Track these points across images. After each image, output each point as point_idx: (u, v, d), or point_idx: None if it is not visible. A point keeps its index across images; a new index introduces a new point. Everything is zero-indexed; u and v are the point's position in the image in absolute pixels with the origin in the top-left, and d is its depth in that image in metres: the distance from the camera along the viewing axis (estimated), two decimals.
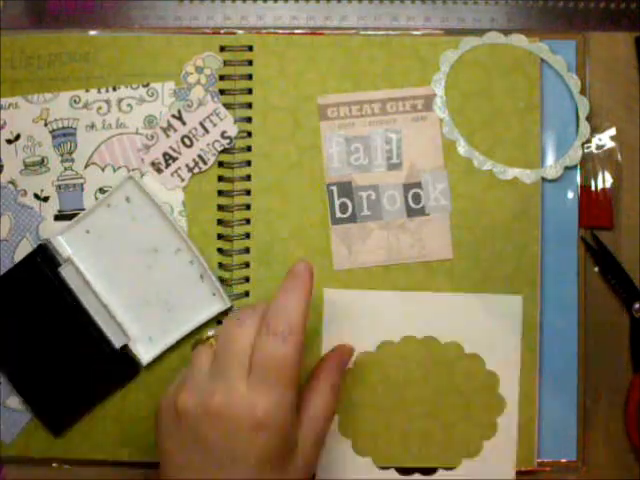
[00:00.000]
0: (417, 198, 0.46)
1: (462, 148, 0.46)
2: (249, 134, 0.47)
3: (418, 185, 0.46)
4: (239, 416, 0.35)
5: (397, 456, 0.46)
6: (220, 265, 0.46)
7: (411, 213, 0.46)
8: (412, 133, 0.47)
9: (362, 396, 0.46)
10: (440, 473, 0.45)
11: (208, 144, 0.47)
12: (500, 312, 0.44)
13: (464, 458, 0.45)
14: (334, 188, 0.47)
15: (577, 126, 0.47)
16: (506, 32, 0.47)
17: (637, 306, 0.46)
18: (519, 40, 0.47)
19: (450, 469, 0.45)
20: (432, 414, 0.46)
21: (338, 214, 0.46)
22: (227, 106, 0.47)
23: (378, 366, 0.46)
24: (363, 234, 0.46)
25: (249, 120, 0.47)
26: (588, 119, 0.47)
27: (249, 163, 0.47)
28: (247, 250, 0.46)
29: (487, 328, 0.44)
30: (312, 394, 0.40)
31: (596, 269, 0.47)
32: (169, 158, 0.47)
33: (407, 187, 0.47)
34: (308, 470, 0.38)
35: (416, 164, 0.47)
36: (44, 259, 0.46)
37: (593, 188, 0.47)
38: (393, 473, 0.45)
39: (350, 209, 0.46)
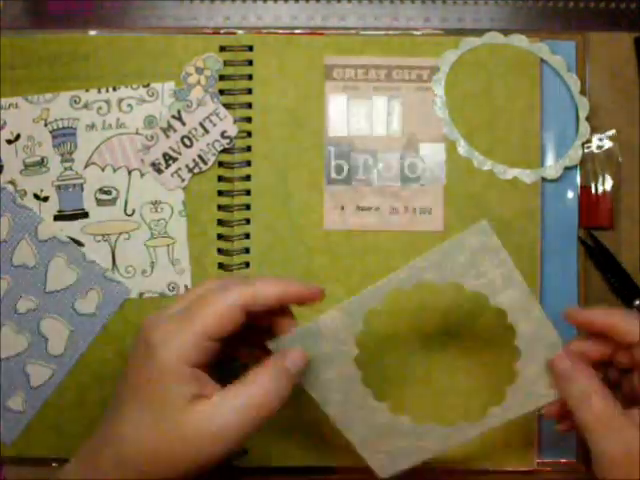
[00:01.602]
0: (413, 167, 0.47)
1: (462, 148, 0.46)
2: (249, 134, 0.47)
3: (416, 155, 0.47)
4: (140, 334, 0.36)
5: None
6: (220, 265, 0.46)
7: (406, 181, 0.47)
8: (415, 103, 0.47)
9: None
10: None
11: (208, 144, 0.47)
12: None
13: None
14: (332, 149, 0.47)
15: (577, 126, 0.47)
16: (506, 32, 0.47)
17: (637, 303, 0.46)
18: (519, 40, 0.47)
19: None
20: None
21: (333, 174, 0.47)
22: (227, 106, 0.47)
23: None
24: (356, 197, 0.46)
25: (249, 120, 0.47)
26: (588, 119, 0.47)
27: (249, 163, 0.47)
28: (247, 250, 0.46)
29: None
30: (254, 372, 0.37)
31: (596, 269, 0.47)
32: (169, 158, 0.47)
33: (404, 155, 0.47)
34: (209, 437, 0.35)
35: (416, 134, 0.47)
36: None
37: (593, 188, 0.47)
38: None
39: (345, 171, 0.47)
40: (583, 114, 0.46)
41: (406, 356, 0.46)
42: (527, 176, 0.46)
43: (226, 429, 0.35)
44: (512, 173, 0.46)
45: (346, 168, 0.47)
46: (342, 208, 0.46)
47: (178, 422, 0.34)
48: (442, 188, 0.47)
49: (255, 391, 0.36)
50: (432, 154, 0.47)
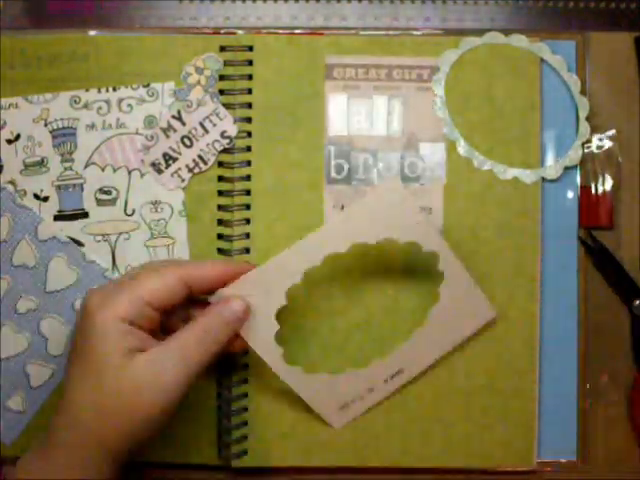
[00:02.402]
0: (413, 167, 0.47)
1: (462, 148, 0.46)
2: (249, 134, 0.47)
3: (416, 154, 0.47)
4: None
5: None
6: None
7: (406, 181, 0.47)
8: (415, 102, 0.47)
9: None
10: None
11: (208, 144, 0.47)
12: None
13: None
14: (332, 148, 0.47)
15: (577, 126, 0.47)
16: (506, 32, 0.47)
17: (638, 303, 0.46)
18: (519, 40, 0.47)
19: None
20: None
21: (333, 174, 0.47)
22: (227, 106, 0.47)
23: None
24: (356, 197, 0.46)
25: (249, 120, 0.47)
26: (588, 119, 0.47)
27: (249, 163, 0.47)
28: (247, 250, 0.46)
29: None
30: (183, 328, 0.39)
31: (596, 269, 0.47)
32: (169, 158, 0.47)
33: (404, 155, 0.47)
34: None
35: (416, 133, 0.47)
36: None
37: (593, 188, 0.47)
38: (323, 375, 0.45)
39: (345, 171, 0.47)
40: (583, 114, 0.46)
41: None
42: (527, 176, 0.46)
43: (163, 376, 0.36)
44: (512, 173, 0.46)
45: (346, 167, 0.47)
46: (342, 207, 0.46)
47: (117, 376, 0.36)
48: (442, 188, 0.47)
49: (191, 337, 0.38)
50: (432, 154, 0.47)
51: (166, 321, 0.40)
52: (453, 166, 0.47)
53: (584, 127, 0.47)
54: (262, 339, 0.41)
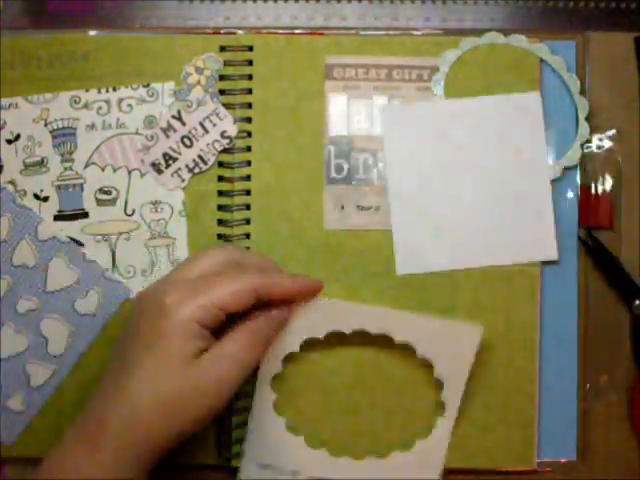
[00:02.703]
0: None
1: None
2: (249, 134, 0.47)
3: None
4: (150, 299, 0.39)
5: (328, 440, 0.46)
6: None
7: None
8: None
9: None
10: (368, 460, 0.45)
11: (208, 144, 0.47)
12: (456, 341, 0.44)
13: (394, 451, 0.45)
14: (332, 148, 0.47)
15: (577, 126, 0.47)
16: (506, 32, 0.47)
17: (638, 303, 0.46)
18: (518, 40, 0.47)
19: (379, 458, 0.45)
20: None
21: (333, 174, 0.47)
22: (227, 106, 0.47)
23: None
24: (356, 197, 0.46)
25: (249, 120, 0.47)
26: (588, 119, 0.47)
27: (249, 163, 0.47)
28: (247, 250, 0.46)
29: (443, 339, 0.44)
30: (229, 333, 0.40)
31: (596, 269, 0.47)
32: (169, 158, 0.47)
33: None
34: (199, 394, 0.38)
35: None
36: None
37: (593, 188, 0.47)
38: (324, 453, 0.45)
39: (345, 170, 0.47)
40: (583, 114, 0.46)
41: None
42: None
43: (221, 380, 0.38)
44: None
45: (346, 167, 0.47)
46: (342, 207, 0.46)
47: (189, 374, 0.37)
48: None
49: (243, 339, 0.39)
50: None
51: None
52: None
53: (584, 127, 0.47)
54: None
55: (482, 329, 0.43)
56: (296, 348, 0.43)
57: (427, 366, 0.44)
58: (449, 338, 0.43)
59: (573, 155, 0.46)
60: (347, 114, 0.47)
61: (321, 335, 0.43)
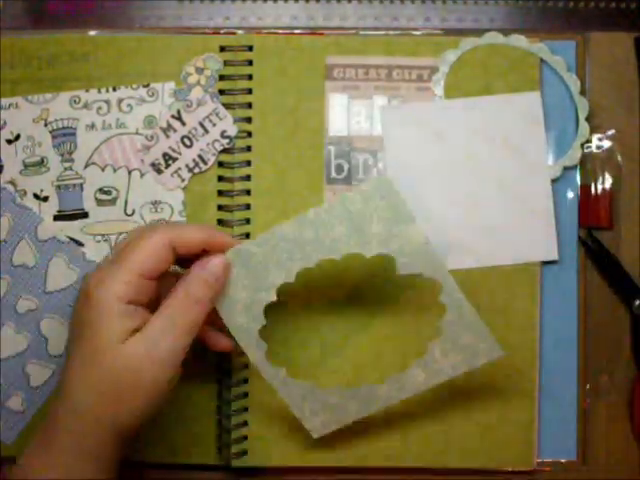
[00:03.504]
0: None
1: None
2: (249, 134, 0.47)
3: None
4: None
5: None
6: None
7: None
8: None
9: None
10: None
11: (208, 144, 0.47)
12: None
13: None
14: (332, 148, 0.47)
15: (577, 126, 0.47)
16: (506, 32, 0.47)
17: (638, 303, 0.46)
18: (518, 40, 0.47)
19: None
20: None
21: (333, 174, 0.47)
22: (227, 106, 0.47)
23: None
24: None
25: (249, 120, 0.47)
26: (588, 119, 0.47)
27: (249, 163, 0.47)
28: None
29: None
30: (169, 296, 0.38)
31: (596, 269, 0.47)
32: (169, 158, 0.47)
33: None
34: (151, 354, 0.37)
35: None
36: None
37: (593, 188, 0.47)
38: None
39: (346, 171, 0.47)
40: (583, 115, 0.46)
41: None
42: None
43: (156, 350, 0.36)
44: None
45: (346, 167, 0.47)
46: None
47: (119, 354, 0.36)
48: None
49: (175, 303, 0.37)
50: None
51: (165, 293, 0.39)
52: None
53: (584, 127, 0.46)
54: (245, 330, 0.40)
55: (502, 355, 0.41)
56: (274, 297, 0.40)
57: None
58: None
59: (573, 155, 0.46)
60: (347, 114, 0.47)
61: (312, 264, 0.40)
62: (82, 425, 0.36)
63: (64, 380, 0.37)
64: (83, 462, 0.36)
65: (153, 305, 0.38)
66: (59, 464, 0.36)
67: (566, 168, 0.46)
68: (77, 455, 0.36)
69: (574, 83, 0.47)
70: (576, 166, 0.47)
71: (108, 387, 0.36)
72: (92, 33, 0.48)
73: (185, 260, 0.39)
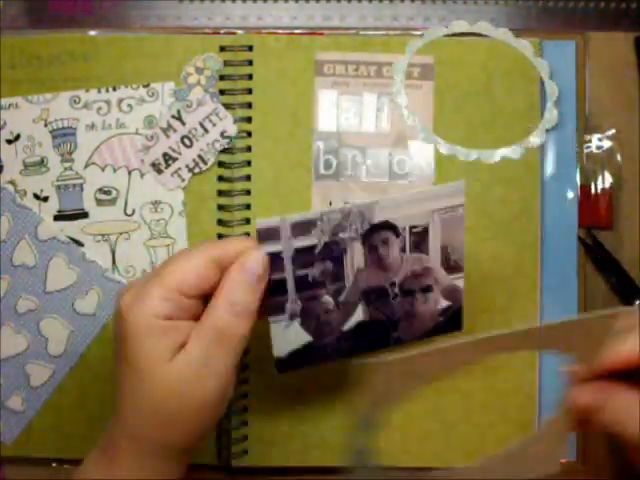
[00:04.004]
0: (402, 164, 0.47)
1: (443, 147, 0.46)
2: (249, 134, 0.47)
3: (404, 151, 0.47)
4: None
5: None
6: None
7: (394, 178, 0.47)
8: (405, 100, 0.47)
9: None
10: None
11: (208, 144, 0.47)
12: None
13: None
14: (320, 144, 0.47)
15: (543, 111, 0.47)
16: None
17: (638, 303, 0.46)
18: (506, 34, 0.47)
19: None
20: None
21: (322, 170, 0.47)
22: (227, 106, 0.47)
23: None
24: (344, 193, 0.46)
25: (249, 120, 0.47)
26: (588, 119, 0.47)
27: (249, 163, 0.47)
28: None
29: None
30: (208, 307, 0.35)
31: (596, 269, 0.47)
32: (169, 158, 0.47)
33: (393, 152, 0.47)
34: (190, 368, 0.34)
35: (405, 131, 0.47)
36: None
37: (593, 188, 0.47)
38: None
39: (334, 167, 0.47)
40: (552, 99, 0.46)
41: None
42: (514, 151, 0.46)
43: (207, 366, 0.34)
44: (499, 154, 0.46)
45: (335, 164, 0.47)
46: (330, 204, 0.46)
47: (164, 375, 0.34)
48: (431, 185, 0.46)
49: (221, 311, 0.34)
50: (421, 151, 0.47)
51: None
52: (442, 163, 0.46)
53: (550, 113, 0.46)
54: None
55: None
56: None
57: None
58: None
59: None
60: (337, 110, 0.47)
61: None
62: (138, 446, 0.35)
63: (116, 400, 0.35)
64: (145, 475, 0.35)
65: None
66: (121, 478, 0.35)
67: (547, 131, 0.46)
68: (137, 472, 0.35)
69: (543, 68, 0.46)
70: (575, 166, 0.47)
71: (157, 411, 0.34)
72: (92, 33, 0.48)
73: None
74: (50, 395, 0.47)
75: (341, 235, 0.37)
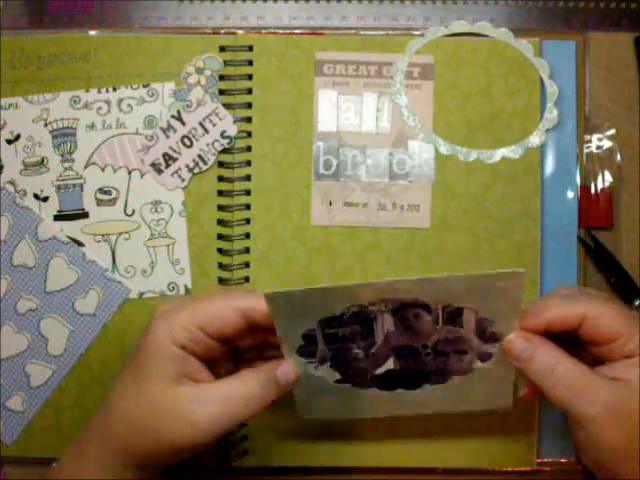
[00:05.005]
0: (402, 164, 0.47)
1: (443, 147, 0.46)
2: (249, 134, 0.47)
3: (404, 151, 0.47)
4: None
5: None
6: (220, 265, 0.46)
7: (394, 178, 0.47)
8: (405, 100, 0.47)
9: None
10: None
11: (208, 144, 0.47)
12: None
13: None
14: (320, 144, 0.47)
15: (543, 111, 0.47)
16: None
17: (638, 303, 0.46)
18: (506, 34, 0.47)
19: None
20: None
21: (321, 170, 0.47)
22: (227, 106, 0.47)
23: None
24: (344, 193, 0.46)
25: (249, 120, 0.47)
26: (587, 118, 0.47)
27: (249, 163, 0.47)
28: (247, 250, 0.46)
29: None
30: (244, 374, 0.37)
31: (596, 269, 0.47)
32: (169, 158, 0.47)
33: (393, 152, 0.47)
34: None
35: (405, 131, 0.47)
36: None
37: (593, 188, 0.47)
38: None
39: (334, 167, 0.47)
40: (552, 99, 0.46)
41: None
42: (514, 151, 0.46)
43: (199, 417, 0.35)
44: (499, 154, 0.46)
45: (335, 163, 0.47)
46: (330, 204, 0.46)
47: (160, 398, 0.35)
48: (430, 185, 0.46)
49: (240, 390, 0.36)
50: (421, 151, 0.47)
51: (242, 352, 0.40)
52: (442, 163, 0.46)
53: (550, 113, 0.46)
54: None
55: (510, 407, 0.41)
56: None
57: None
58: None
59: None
60: (337, 110, 0.47)
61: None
62: (109, 444, 0.36)
63: (109, 395, 0.37)
64: (105, 476, 0.37)
65: (217, 365, 0.38)
66: (86, 474, 0.37)
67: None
68: (101, 470, 0.37)
69: (543, 68, 0.46)
70: (576, 166, 0.47)
71: (139, 423, 0.36)
72: (92, 33, 0.48)
73: None
74: (50, 395, 0.47)
75: (370, 308, 0.37)
